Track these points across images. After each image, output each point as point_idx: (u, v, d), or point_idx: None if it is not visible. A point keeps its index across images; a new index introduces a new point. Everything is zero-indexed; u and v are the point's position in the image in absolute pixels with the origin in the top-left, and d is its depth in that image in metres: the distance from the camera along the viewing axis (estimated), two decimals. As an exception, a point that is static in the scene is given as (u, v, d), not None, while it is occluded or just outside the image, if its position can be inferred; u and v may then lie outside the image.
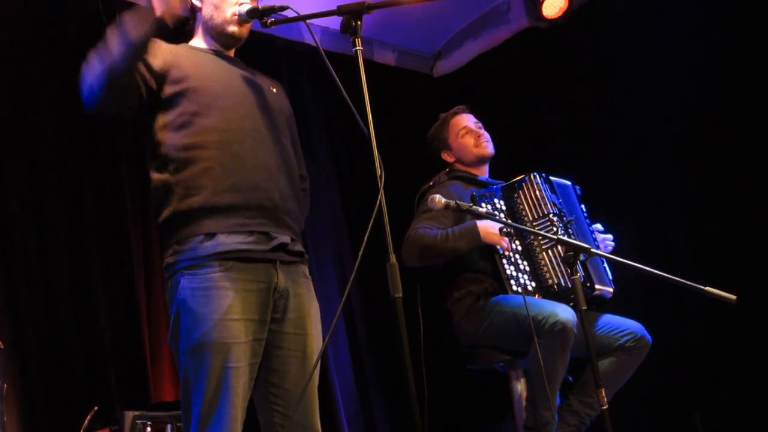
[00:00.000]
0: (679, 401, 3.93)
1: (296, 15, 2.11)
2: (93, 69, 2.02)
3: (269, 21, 2.22)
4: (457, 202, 2.68)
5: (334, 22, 2.04)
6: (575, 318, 2.92)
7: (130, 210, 3.71)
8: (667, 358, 3.60)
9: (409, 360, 1.79)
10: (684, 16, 4.08)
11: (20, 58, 3.58)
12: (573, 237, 3.19)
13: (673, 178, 4.15)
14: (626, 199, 4.21)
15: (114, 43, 1.99)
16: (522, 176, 3.32)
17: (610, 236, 3.42)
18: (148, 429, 2.96)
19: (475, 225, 3.13)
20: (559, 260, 3.16)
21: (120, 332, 3.52)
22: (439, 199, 2.69)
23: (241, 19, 2.26)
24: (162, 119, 2.14)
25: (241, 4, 2.26)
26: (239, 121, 2.16)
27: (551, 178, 3.41)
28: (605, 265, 3.33)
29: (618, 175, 4.25)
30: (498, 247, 3.14)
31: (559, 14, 4.60)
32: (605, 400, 2.39)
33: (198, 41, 2.34)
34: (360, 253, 1.85)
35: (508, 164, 3.56)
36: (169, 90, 2.13)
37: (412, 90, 5.25)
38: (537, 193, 3.27)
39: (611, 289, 3.27)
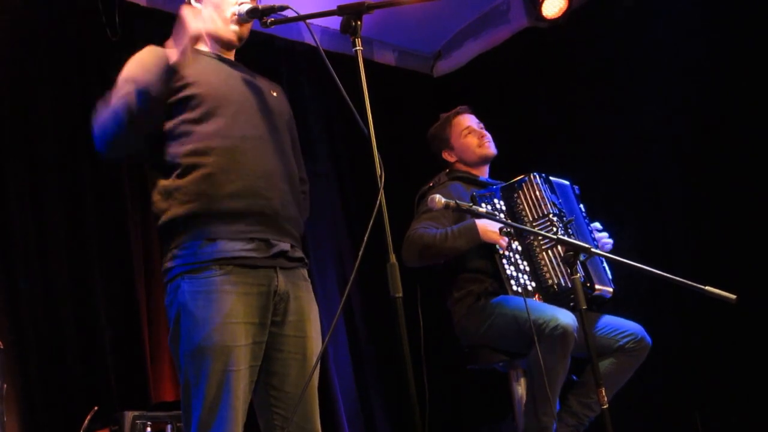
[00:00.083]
0: (679, 401, 3.93)
1: (296, 15, 2.10)
2: (113, 120, 2.05)
3: (269, 21, 2.22)
4: (457, 202, 2.68)
5: (334, 22, 2.03)
6: (576, 322, 2.92)
7: (130, 210, 3.71)
8: (667, 358, 3.60)
9: (409, 360, 1.79)
10: (684, 16, 4.08)
11: (20, 58, 3.58)
12: (573, 237, 3.19)
13: (673, 178, 4.14)
14: (626, 199, 4.21)
15: (133, 96, 2.01)
16: (522, 176, 3.32)
17: (606, 234, 3.42)
18: (148, 429, 2.96)
19: (474, 224, 3.13)
20: (559, 260, 3.16)
21: (120, 332, 3.52)
22: (439, 199, 2.69)
23: (241, 19, 2.26)
24: (164, 126, 2.14)
25: (241, 4, 2.26)
26: (241, 128, 2.16)
27: (551, 178, 3.41)
28: (605, 264, 3.33)
29: (618, 175, 4.25)
30: (497, 246, 3.14)
31: (559, 14, 4.60)
32: (605, 399, 2.39)
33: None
34: (360, 253, 1.85)
35: (508, 164, 3.56)
36: (171, 98, 2.13)
37: (412, 90, 5.25)
38: (537, 193, 3.27)
39: (611, 289, 3.27)
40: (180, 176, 2.09)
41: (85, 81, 3.75)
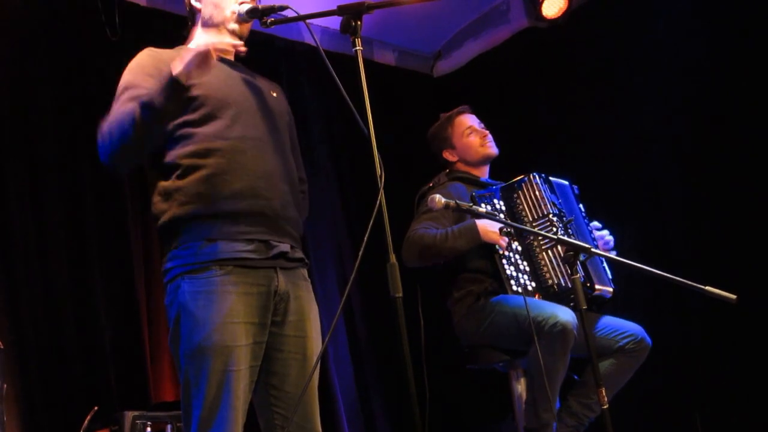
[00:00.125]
0: (680, 401, 3.93)
1: (296, 15, 2.10)
2: (119, 134, 2.04)
3: (269, 21, 2.22)
4: (457, 202, 2.68)
5: (334, 22, 2.03)
6: (575, 320, 2.92)
7: (130, 210, 3.71)
8: (667, 358, 3.60)
9: (409, 360, 1.79)
10: (684, 16, 4.08)
11: (20, 58, 3.58)
12: (573, 237, 3.19)
13: (673, 178, 4.14)
14: (626, 199, 4.21)
15: (138, 113, 2.00)
16: (521, 176, 3.32)
17: (606, 232, 3.42)
18: (148, 429, 2.96)
19: (475, 224, 3.13)
20: (559, 260, 3.16)
21: (120, 332, 3.52)
22: (439, 199, 2.69)
23: (241, 19, 2.26)
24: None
25: (241, 3, 2.26)
26: (241, 129, 2.16)
27: (551, 178, 3.41)
28: (604, 264, 3.33)
29: (618, 175, 4.25)
30: (497, 246, 3.14)
31: (559, 14, 4.60)
32: (605, 399, 2.39)
33: (197, 43, 2.33)
34: (360, 253, 1.85)
35: (508, 164, 3.56)
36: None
37: (412, 90, 5.25)
38: (537, 193, 3.27)
39: (611, 289, 3.27)
40: (180, 177, 2.09)
41: (85, 81, 3.74)
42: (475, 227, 3.13)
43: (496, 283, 3.19)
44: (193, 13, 2.34)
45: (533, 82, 4.79)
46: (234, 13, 2.26)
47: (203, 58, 1.96)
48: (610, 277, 3.33)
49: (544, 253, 3.20)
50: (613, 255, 3.33)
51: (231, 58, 2.34)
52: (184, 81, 1.96)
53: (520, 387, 3.23)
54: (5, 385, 2.75)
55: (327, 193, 4.61)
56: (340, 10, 2.03)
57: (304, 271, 2.25)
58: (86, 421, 2.92)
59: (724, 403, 3.77)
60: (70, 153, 3.62)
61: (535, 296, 3.13)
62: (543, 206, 3.24)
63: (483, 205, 3.20)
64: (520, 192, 3.30)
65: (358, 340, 4.43)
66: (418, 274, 3.10)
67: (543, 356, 2.89)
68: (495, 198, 3.30)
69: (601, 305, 3.30)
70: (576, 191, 3.54)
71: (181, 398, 2.05)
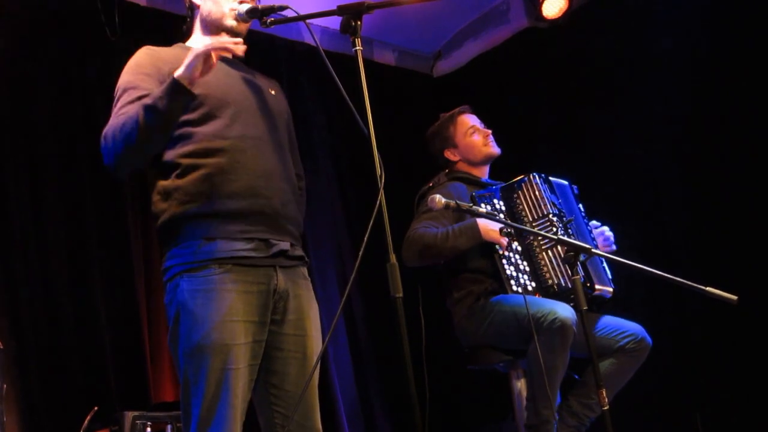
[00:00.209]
0: (680, 401, 3.93)
1: (296, 15, 2.10)
2: (123, 139, 2.04)
3: (269, 21, 2.21)
4: (458, 202, 2.68)
5: (334, 22, 2.03)
6: (575, 316, 2.92)
7: (130, 210, 3.71)
8: (667, 358, 3.60)
9: (410, 360, 1.79)
10: (684, 16, 4.08)
11: (20, 58, 3.58)
12: (573, 237, 3.19)
13: (673, 178, 4.14)
14: (626, 199, 4.21)
15: (148, 118, 1.99)
16: (521, 176, 3.32)
17: (605, 228, 3.42)
18: (148, 429, 2.96)
19: (476, 222, 3.13)
20: (559, 260, 3.16)
21: (120, 332, 3.52)
22: (439, 199, 2.69)
23: (241, 18, 2.26)
24: None
25: (241, 2, 2.26)
26: (240, 128, 2.16)
27: (550, 178, 3.41)
28: (604, 264, 3.33)
29: (618, 175, 4.25)
30: (497, 246, 3.14)
31: (559, 14, 4.60)
32: (606, 400, 2.39)
33: (195, 41, 2.33)
34: (360, 253, 1.85)
35: (508, 164, 3.56)
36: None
37: (412, 90, 5.25)
38: (536, 193, 3.27)
39: (611, 289, 3.27)
40: (179, 177, 2.09)
41: (84, 81, 3.75)
42: (476, 225, 3.13)
43: (496, 284, 3.19)
44: (192, 9, 2.34)
45: (533, 82, 4.79)
46: (233, 11, 2.26)
47: (204, 59, 1.96)
48: (609, 276, 3.33)
49: (544, 253, 3.20)
50: (612, 248, 3.35)
51: (230, 56, 2.34)
52: (187, 84, 1.96)
53: (521, 387, 3.23)
54: (5, 385, 2.75)
55: (327, 193, 4.61)
56: (340, 10, 2.03)
57: (304, 270, 2.25)
58: (86, 421, 2.92)
59: (724, 403, 3.77)
60: (70, 153, 3.62)
61: (535, 296, 3.13)
62: (543, 206, 3.24)
63: (483, 205, 3.20)
64: (520, 192, 3.30)
65: (358, 340, 4.43)
66: (418, 274, 3.10)
67: (542, 353, 2.89)
68: (495, 198, 3.30)
69: (601, 305, 3.29)
70: (576, 191, 3.54)
71: (181, 397, 2.05)
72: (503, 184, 3.37)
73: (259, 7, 2.25)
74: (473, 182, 3.46)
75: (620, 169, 4.26)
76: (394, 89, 5.02)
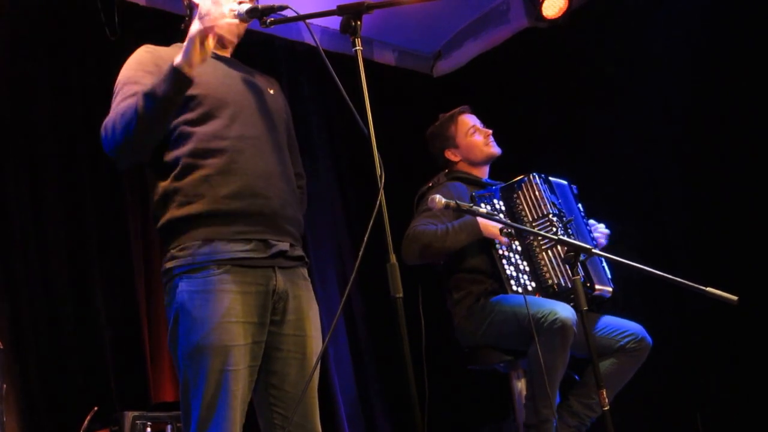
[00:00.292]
0: (680, 401, 3.93)
1: (296, 15, 2.10)
2: (123, 126, 2.03)
3: (269, 21, 2.21)
4: (457, 202, 2.68)
5: (334, 22, 2.03)
6: (575, 316, 2.92)
7: (130, 210, 3.71)
8: (667, 358, 3.60)
9: (410, 360, 1.79)
10: (684, 16, 4.08)
11: (20, 58, 3.58)
12: (572, 237, 3.19)
13: (673, 178, 4.14)
14: (626, 199, 4.21)
15: (147, 106, 1.99)
16: (521, 177, 3.32)
17: (602, 225, 3.42)
18: (148, 429, 2.96)
19: (475, 219, 3.13)
20: (558, 260, 3.16)
21: (120, 332, 3.52)
22: (439, 199, 2.69)
23: (241, 18, 2.25)
24: None
25: (241, 2, 2.25)
26: (239, 128, 2.15)
27: (550, 178, 3.41)
28: (604, 264, 3.33)
29: (618, 175, 4.25)
30: (497, 242, 3.14)
31: (559, 14, 4.60)
32: (606, 401, 2.39)
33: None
34: (360, 253, 1.84)
35: (508, 164, 3.56)
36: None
37: (412, 90, 5.25)
38: (536, 193, 3.27)
39: (610, 289, 3.27)
40: (178, 178, 2.09)
41: (84, 81, 3.74)
42: (475, 221, 3.14)
43: (495, 284, 3.19)
44: (191, 8, 2.34)
45: (533, 82, 4.79)
46: (232, 10, 2.25)
47: (200, 39, 1.96)
48: (609, 276, 3.34)
49: (544, 253, 3.20)
50: (604, 242, 3.36)
51: (227, 55, 2.34)
52: (186, 70, 1.96)
53: (521, 387, 3.23)
54: (5, 385, 2.75)
55: (327, 193, 4.61)
56: (340, 10, 2.03)
57: (304, 271, 2.24)
58: (86, 421, 2.92)
59: (724, 403, 3.77)
60: (70, 153, 3.62)
61: (535, 296, 3.13)
62: (543, 206, 3.24)
63: (483, 205, 3.20)
64: (519, 192, 3.30)
65: (358, 341, 4.43)
66: (419, 274, 3.09)
67: (542, 352, 2.89)
68: (495, 198, 3.30)
69: (600, 305, 3.30)
70: (575, 191, 3.54)
71: (180, 398, 2.05)
72: (503, 184, 3.37)
73: (259, 7, 2.24)
74: (473, 182, 3.46)
75: (620, 169, 4.26)
76: (394, 89, 5.01)
